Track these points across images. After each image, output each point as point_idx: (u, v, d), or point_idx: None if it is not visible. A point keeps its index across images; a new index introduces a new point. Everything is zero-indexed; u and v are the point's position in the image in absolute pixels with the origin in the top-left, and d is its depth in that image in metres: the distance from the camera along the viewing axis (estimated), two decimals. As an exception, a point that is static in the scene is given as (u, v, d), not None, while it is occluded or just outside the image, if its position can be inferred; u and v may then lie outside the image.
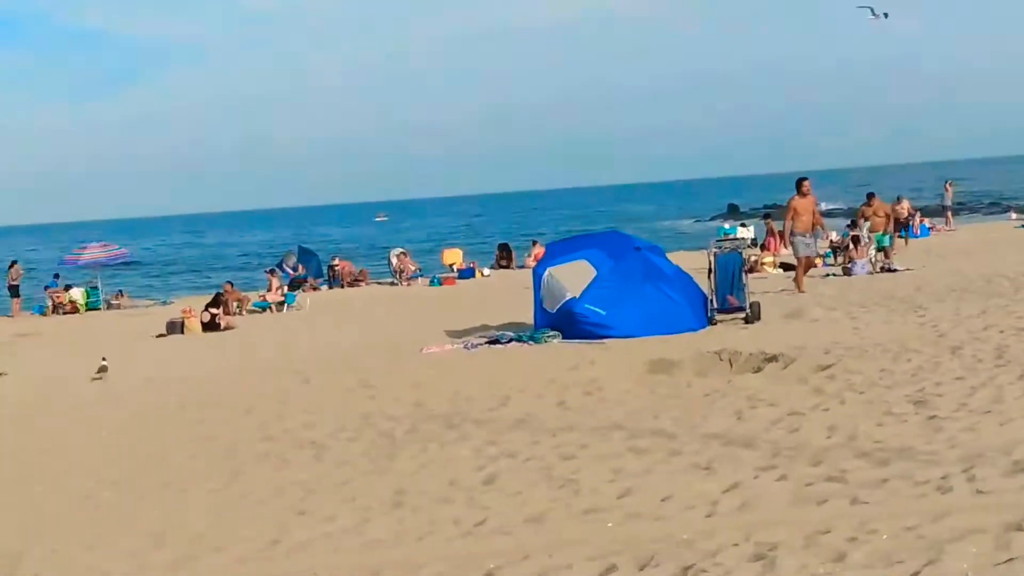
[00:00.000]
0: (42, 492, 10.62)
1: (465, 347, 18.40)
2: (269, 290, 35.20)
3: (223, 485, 10.33)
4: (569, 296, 18.45)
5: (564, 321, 18.35)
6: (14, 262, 41.98)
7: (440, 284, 38.91)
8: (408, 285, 39.87)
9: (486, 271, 42.14)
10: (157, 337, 27.47)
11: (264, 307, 33.75)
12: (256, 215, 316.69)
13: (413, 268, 41.73)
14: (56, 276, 42.73)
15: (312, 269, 41.43)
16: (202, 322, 28.20)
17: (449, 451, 10.86)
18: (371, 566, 7.43)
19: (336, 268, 42.17)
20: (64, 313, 38.14)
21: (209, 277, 62.29)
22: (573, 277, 18.80)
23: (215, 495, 9.96)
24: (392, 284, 40.80)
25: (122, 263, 47.44)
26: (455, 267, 42.54)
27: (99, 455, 12.13)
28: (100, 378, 17.64)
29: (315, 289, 39.23)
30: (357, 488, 9.71)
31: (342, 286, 40.80)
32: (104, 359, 18.16)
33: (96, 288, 40.41)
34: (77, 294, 39.26)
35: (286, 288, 36.11)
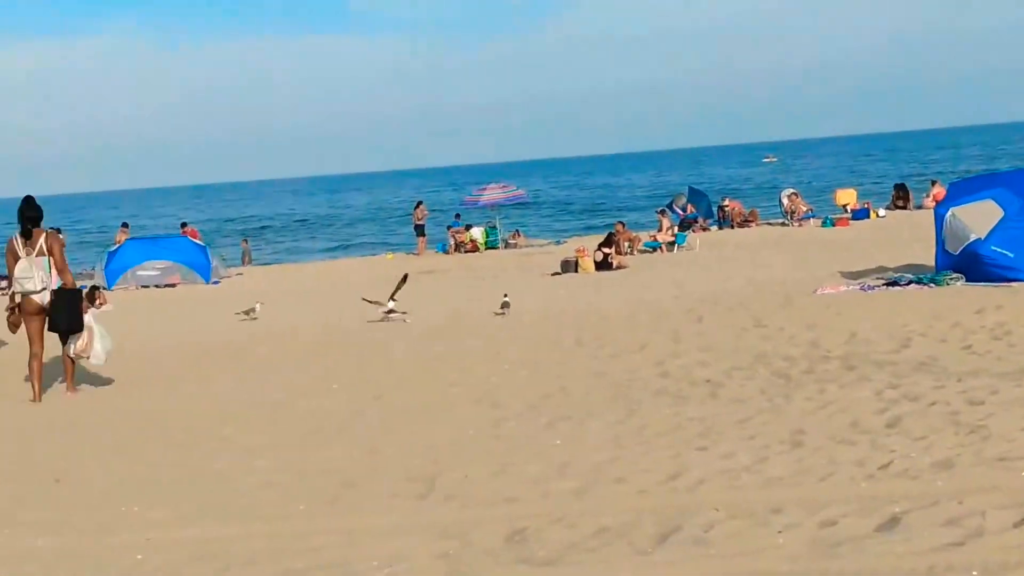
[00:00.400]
0: (451, 420, 11.16)
1: (861, 288, 17.96)
2: (659, 230, 35.49)
3: (621, 419, 10.53)
4: (974, 237, 17.66)
5: (968, 263, 17.59)
6: (419, 203, 44.24)
7: (833, 225, 38.02)
8: (800, 226, 39.20)
9: (881, 212, 40.84)
10: (552, 275, 28.29)
11: (655, 247, 34.11)
12: (640, 156, 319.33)
13: (805, 209, 40.99)
14: (457, 216, 44.72)
15: (702, 210, 41.42)
16: (595, 261, 28.81)
17: (848, 392, 10.66)
18: (771, 503, 7.39)
19: (726, 208, 42.01)
20: (465, 251, 39.87)
21: (600, 217, 63.42)
22: (978, 218, 17.97)
23: (614, 428, 10.17)
24: (783, 225, 40.24)
25: (518, 203, 49.07)
26: (849, 208, 41.46)
27: (503, 386, 12.63)
28: (503, 314, 18.32)
29: (705, 230, 39.19)
30: (754, 426, 9.68)
31: (732, 226, 40.60)
32: (505, 295, 18.86)
33: (495, 228, 42.02)
34: (477, 233, 40.93)
35: (676, 228, 36.29)
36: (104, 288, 29.38)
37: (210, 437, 11.11)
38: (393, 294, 18.80)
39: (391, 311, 18.74)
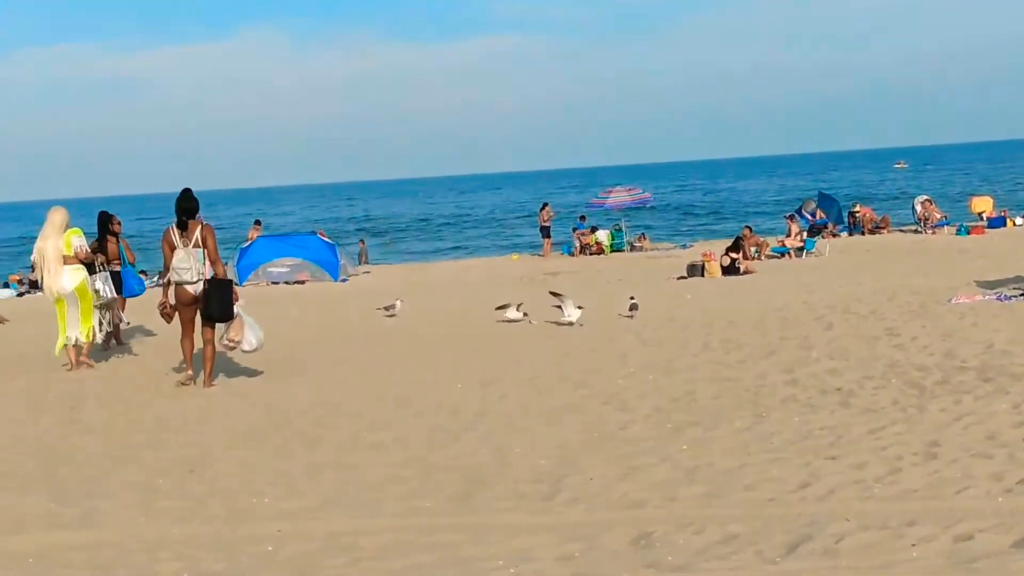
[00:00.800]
0: (578, 422, 11.14)
1: (998, 298, 17.54)
2: (788, 235, 35.08)
3: (749, 426, 10.42)
4: (1118, 247, 17.13)
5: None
6: (545, 204, 44.30)
7: (968, 233, 37.22)
8: (933, 233, 38.45)
9: (1019, 220, 39.88)
10: (678, 279, 28.12)
11: (783, 252, 33.72)
12: (769, 160, 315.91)
13: (939, 216, 40.17)
14: (582, 218, 44.67)
15: (832, 215, 40.85)
16: (722, 266, 28.58)
17: (985, 405, 10.40)
18: (905, 516, 7.25)
19: (857, 215, 41.40)
20: (590, 254, 39.85)
21: (725, 222, 62.88)
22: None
23: (742, 435, 10.06)
24: (916, 232, 39.50)
25: (644, 206, 48.90)
26: (984, 215, 40.54)
27: (629, 389, 12.57)
28: (630, 316, 18.27)
29: (834, 235, 38.66)
30: (887, 437, 9.50)
31: (863, 233, 39.99)
32: (633, 298, 18.79)
33: (621, 230, 41.89)
34: (603, 236, 40.87)
35: (805, 234, 35.85)
36: (236, 284, 29.92)
37: (338, 430, 11.25)
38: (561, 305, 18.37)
39: (525, 314, 18.78)
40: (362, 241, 48.35)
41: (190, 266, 13.56)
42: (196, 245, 13.63)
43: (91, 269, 15.65)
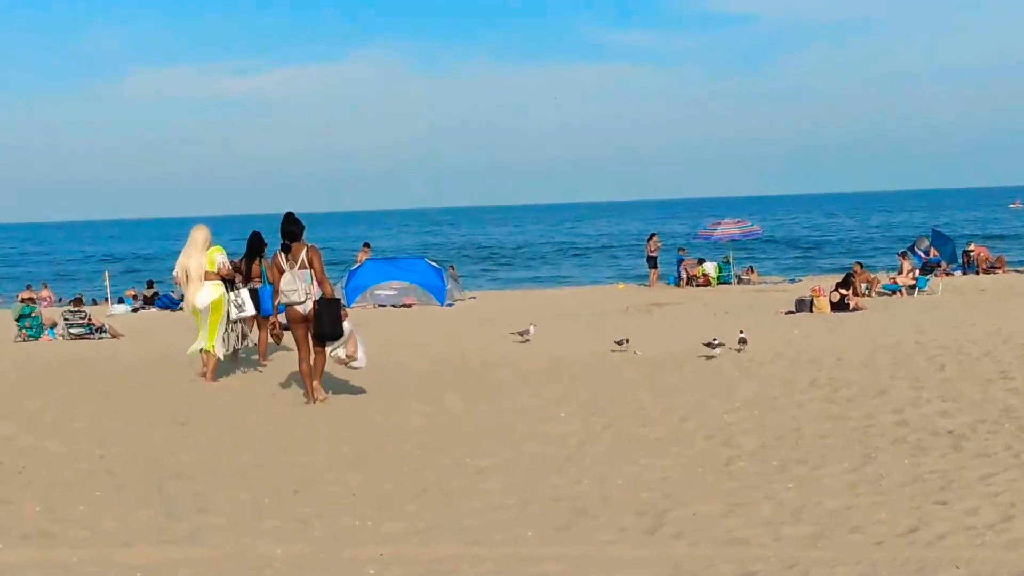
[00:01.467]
0: (682, 455, 11.07)
1: (1118, 344, 17.07)
2: (900, 273, 34.54)
3: (857, 466, 10.26)
4: None
5: None
6: (653, 234, 44.14)
7: (1086, 275, 36.31)
8: (1050, 274, 37.58)
9: None
10: (785, 313, 27.79)
11: (894, 289, 33.20)
12: (879, 197, 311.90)
13: (1056, 257, 39.28)
14: (681, 250, 44.44)
15: (946, 254, 40.13)
16: (831, 301, 28.19)
17: (1103, 454, 10.12)
18: (1017, 566, 7.10)
19: (971, 253, 40.65)
20: (697, 285, 39.63)
21: (836, 258, 62.18)
22: None
23: (849, 475, 9.91)
24: (1032, 273, 38.66)
25: (754, 239, 48.48)
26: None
27: (735, 424, 12.45)
28: (740, 350, 18.06)
29: (948, 274, 37.97)
30: (1000, 483, 9.29)
31: (977, 272, 39.26)
32: (742, 331, 18.58)
33: (728, 263, 41.60)
34: (710, 267, 40.63)
35: (917, 271, 35.25)
36: (344, 305, 30.21)
37: (442, 456, 11.32)
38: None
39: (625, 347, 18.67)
40: (451, 267, 48.50)
41: (296, 287, 13.92)
42: (302, 267, 13.96)
43: (231, 286, 16.21)
